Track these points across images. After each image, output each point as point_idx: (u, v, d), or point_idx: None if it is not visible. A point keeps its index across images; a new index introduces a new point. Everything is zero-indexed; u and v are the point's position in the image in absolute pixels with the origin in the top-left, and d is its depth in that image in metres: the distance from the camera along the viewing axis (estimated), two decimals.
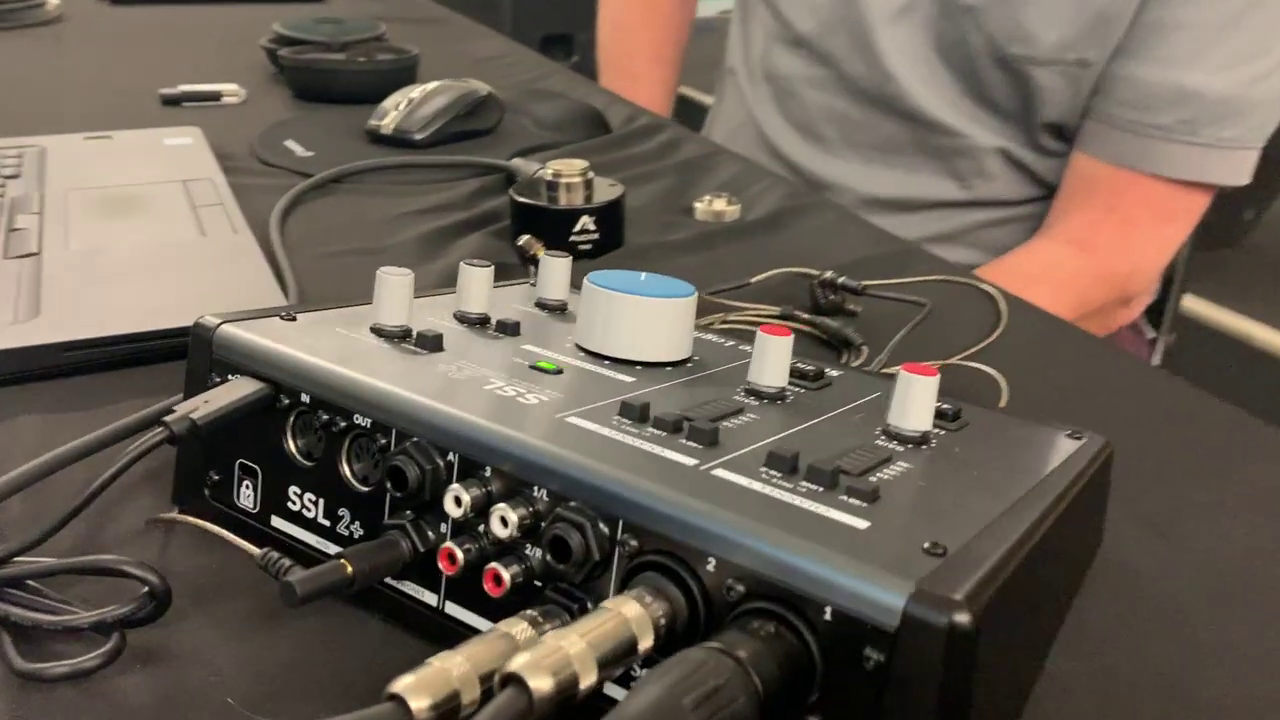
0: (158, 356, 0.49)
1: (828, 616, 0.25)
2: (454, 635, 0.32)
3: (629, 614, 0.26)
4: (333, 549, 0.35)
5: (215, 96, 0.97)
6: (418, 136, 0.83)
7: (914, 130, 0.93)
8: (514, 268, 0.60)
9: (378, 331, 0.38)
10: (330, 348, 0.36)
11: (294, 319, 0.39)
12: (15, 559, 0.32)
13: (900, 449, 0.34)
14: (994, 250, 0.93)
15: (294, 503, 0.35)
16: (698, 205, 0.71)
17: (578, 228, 0.62)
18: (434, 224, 0.67)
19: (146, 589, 0.31)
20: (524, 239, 0.59)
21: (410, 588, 0.33)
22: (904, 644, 0.24)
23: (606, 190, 0.65)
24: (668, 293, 0.39)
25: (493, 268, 0.41)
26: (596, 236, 0.63)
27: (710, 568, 0.27)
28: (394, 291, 0.38)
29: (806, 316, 0.55)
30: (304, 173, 0.76)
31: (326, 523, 0.35)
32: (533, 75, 1.11)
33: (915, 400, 0.34)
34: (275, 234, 0.63)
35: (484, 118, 0.87)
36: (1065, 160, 0.89)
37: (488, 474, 0.31)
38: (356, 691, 0.31)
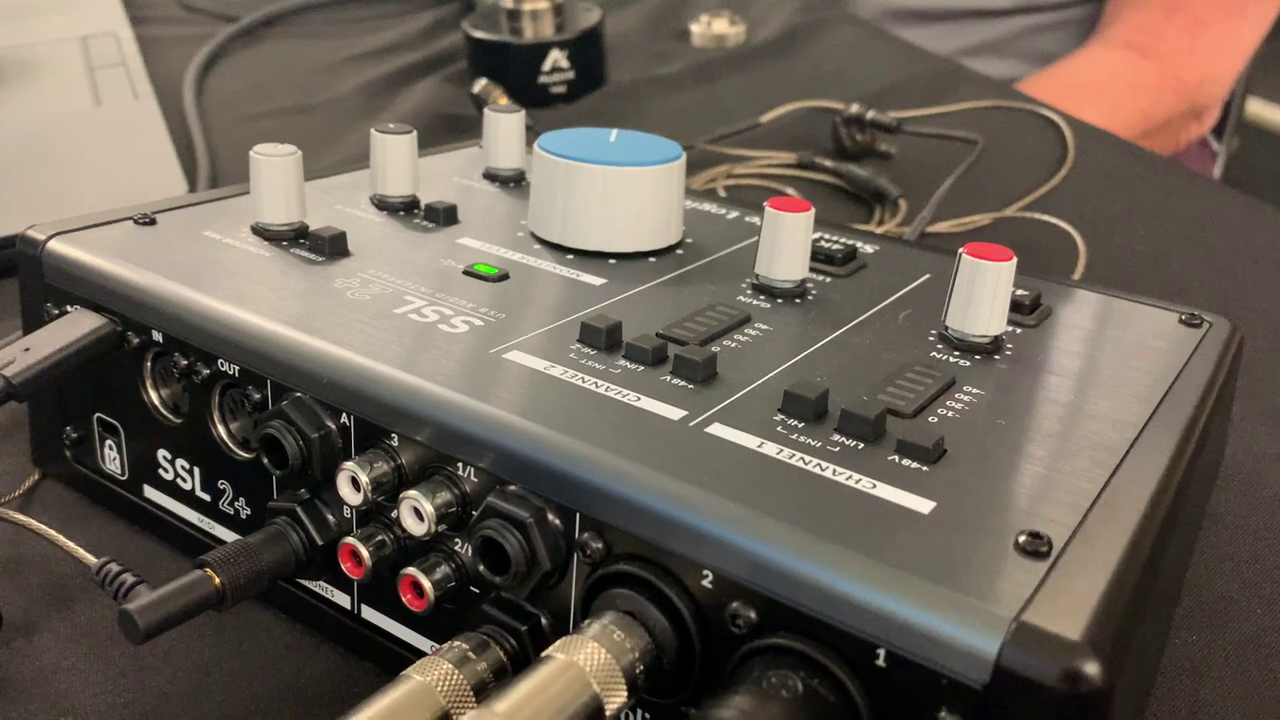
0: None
1: (881, 662, 0.17)
2: (376, 649, 0.24)
3: (587, 665, 0.18)
4: (221, 530, 0.27)
5: None
6: None
7: None
8: (472, 121, 0.50)
9: (260, 232, 0.29)
10: (192, 262, 0.27)
11: (153, 221, 0.29)
12: None
13: (965, 363, 0.25)
14: (1041, 60, 0.81)
15: (166, 470, 0.27)
16: (694, 28, 0.60)
17: (548, 65, 0.51)
18: (379, 69, 0.56)
19: None
20: (480, 84, 0.48)
21: (318, 586, 0.25)
22: (1000, 707, 0.16)
23: (581, 16, 0.54)
24: (648, 158, 0.29)
25: (414, 134, 0.32)
26: (571, 75, 0.52)
27: (707, 584, 0.19)
28: (276, 177, 0.28)
29: (830, 164, 0.45)
30: (233, 17, 0.65)
31: (206, 497, 0.26)
32: None
33: (984, 295, 0.25)
34: (189, 97, 0.52)
35: None
36: None
37: (395, 443, 0.22)
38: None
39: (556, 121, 0.51)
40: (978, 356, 0.25)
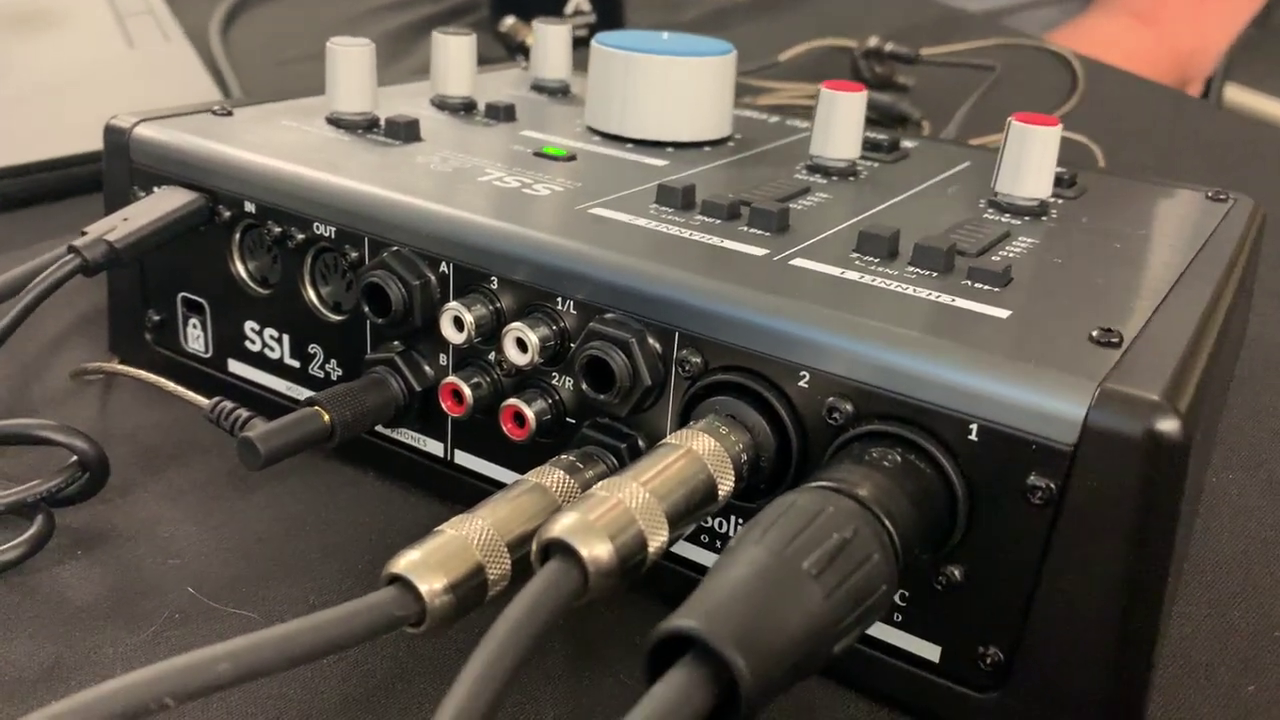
0: (81, 187, 0.41)
1: (973, 436, 0.19)
2: (469, 492, 0.25)
3: (701, 450, 0.19)
4: (306, 394, 0.28)
5: None
6: None
7: None
8: (498, 60, 0.51)
9: (335, 122, 0.30)
10: (278, 143, 0.28)
11: (230, 113, 0.31)
12: None
13: (1017, 222, 0.26)
14: (1045, 28, 0.83)
15: (253, 341, 0.28)
16: None
17: (570, 8, 0.53)
18: (402, 19, 0.58)
19: (75, 457, 0.24)
20: (508, 22, 0.49)
21: (409, 436, 0.26)
22: (1086, 465, 0.18)
23: None
24: (701, 50, 0.31)
25: (473, 36, 0.33)
26: (593, 18, 0.54)
27: (803, 384, 0.20)
28: (352, 67, 0.30)
29: None
30: None
31: (295, 363, 0.28)
32: None
33: (1033, 158, 0.27)
34: (216, 41, 0.54)
35: None
36: None
37: (494, 286, 0.23)
38: (351, 569, 0.24)
39: (578, 63, 0.53)
40: (1026, 218, 0.27)
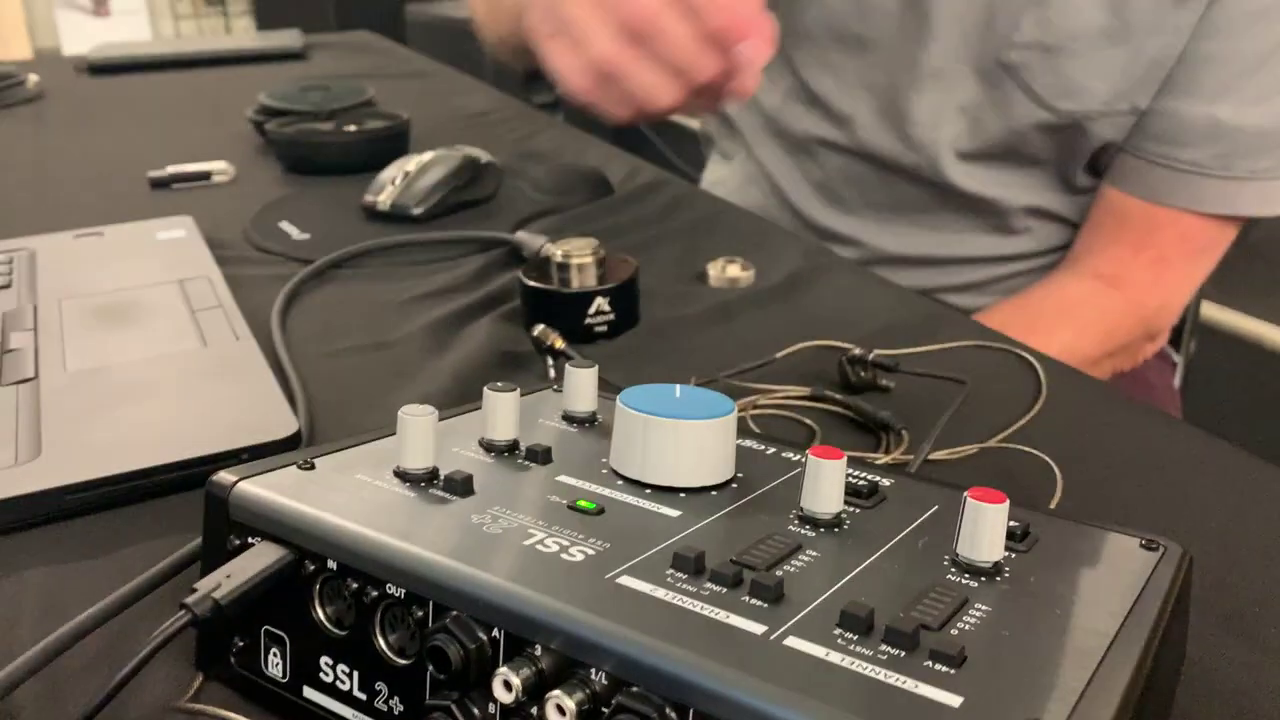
0: (167, 490, 0.46)
1: None
2: None
3: None
4: None
5: (205, 176, 0.95)
6: (416, 211, 0.80)
7: (940, 194, 0.89)
8: (529, 357, 0.58)
9: (402, 476, 0.36)
10: (354, 502, 0.34)
11: (312, 466, 0.36)
12: None
13: (974, 584, 0.31)
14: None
15: (326, 674, 0.33)
16: (711, 271, 0.69)
17: (593, 309, 0.60)
18: (442, 310, 0.65)
19: None
20: (538, 329, 0.56)
21: None
22: None
23: (619, 267, 0.63)
24: (708, 413, 0.37)
25: (518, 392, 0.39)
26: (612, 317, 0.61)
27: None
28: (417, 433, 0.36)
29: (839, 398, 0.53)
30: (300, 259, 0.74)
31: (363, 696, 0.32)
32: (525, 131, 1.10)
33: (986, 530, 0.32)
34: (278, 336, 0.60)
35: (482, 186, 0.85)
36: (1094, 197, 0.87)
37: (538, 652, 0.28)
38: None
39: (599, 356, 0.59)
40: (983, 578, 0.32)
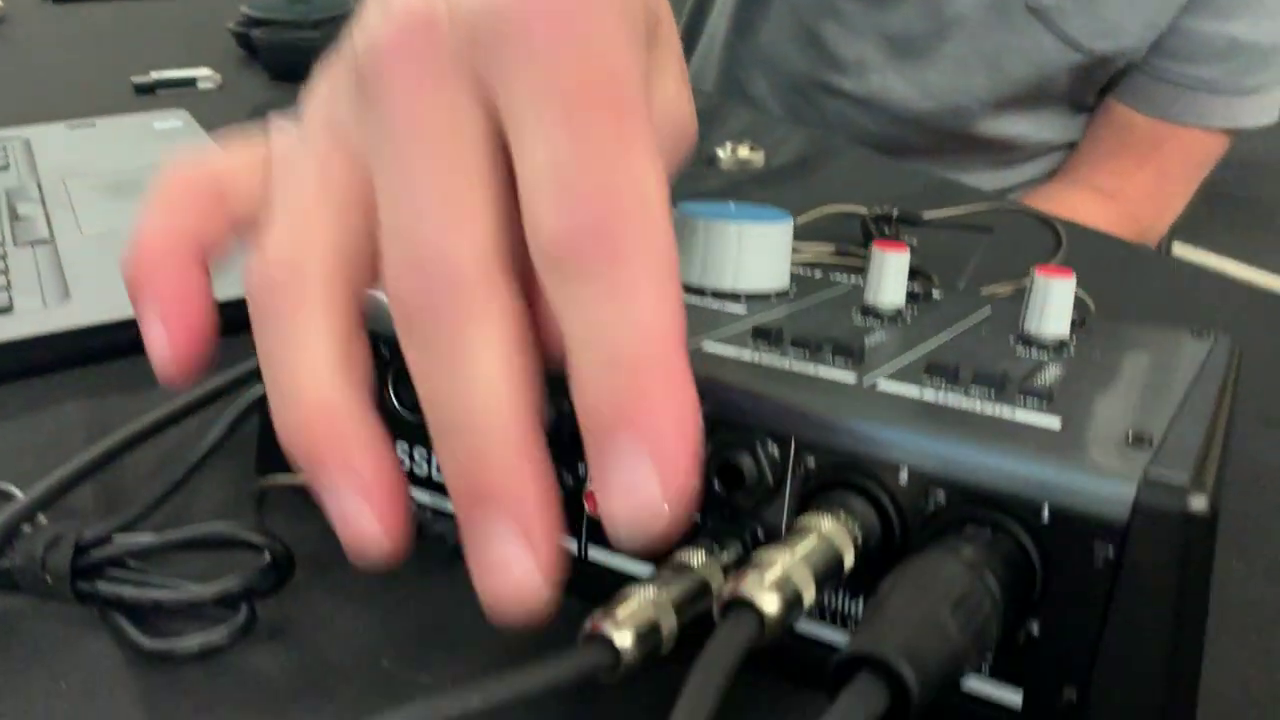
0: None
1: (1045, 518, 0.24)
2: (601, 584, 0.30)
3: (828, 530, 0.24)
4: (450, 505, 0.32)
5: (190, 82, 0.93)
6: None
7: (950, 138, 0.89)
8: None
9: None
10: None
11: None
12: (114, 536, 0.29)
13: (1044, 358, 0.32)
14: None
15: (403, 460, 0.33)
16: (720, 154, 0.69)
17: None
18: None
19: (269, 557, 0.28)
20: None
21: None
22: (1138, 536, 0.23)
23: None
24: (769, 218, 0.37)
25: None
26: None
27: (903, 480, 0.25)
28: None
29: (864, 253, 0.53)
30: None
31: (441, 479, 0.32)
32: None
33: (1054, 303, 0.33)
34: None
35: None
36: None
37: None
38: (510, 646, 0.28)
39: None
40: (1052, 353, 0.33)
